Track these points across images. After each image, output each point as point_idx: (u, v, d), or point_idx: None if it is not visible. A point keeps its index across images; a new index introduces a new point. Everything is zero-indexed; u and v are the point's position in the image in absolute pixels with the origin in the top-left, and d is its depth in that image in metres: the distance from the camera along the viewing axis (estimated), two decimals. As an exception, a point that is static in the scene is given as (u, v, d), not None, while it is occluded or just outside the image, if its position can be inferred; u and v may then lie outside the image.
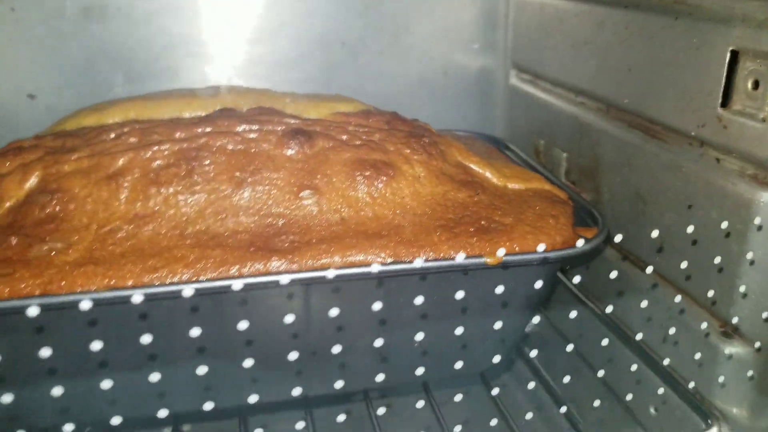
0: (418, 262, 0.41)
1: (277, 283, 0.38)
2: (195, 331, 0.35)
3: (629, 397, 0.51)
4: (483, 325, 0.48)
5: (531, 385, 0.52)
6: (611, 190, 0.62)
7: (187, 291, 0.37)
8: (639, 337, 0.52)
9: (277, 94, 0.54)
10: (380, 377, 0.47)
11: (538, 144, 0.73)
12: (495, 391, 0.52)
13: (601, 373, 0.52)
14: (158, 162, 0.46)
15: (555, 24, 0.71)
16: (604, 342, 0.51)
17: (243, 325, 0.38)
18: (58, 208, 0.44)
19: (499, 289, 0.43)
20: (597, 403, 0.51)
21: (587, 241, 0.47)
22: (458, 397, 0.47)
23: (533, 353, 0.50)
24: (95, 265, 0.41)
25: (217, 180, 0.46)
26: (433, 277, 0.45)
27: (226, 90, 0.53)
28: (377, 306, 0.40)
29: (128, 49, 0.73)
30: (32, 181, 0.46)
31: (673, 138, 0.53)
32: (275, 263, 0.43)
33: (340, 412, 0.44)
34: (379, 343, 0.44)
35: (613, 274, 0.47)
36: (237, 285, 0.37)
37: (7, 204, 0.46)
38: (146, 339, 0.35)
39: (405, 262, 0.43)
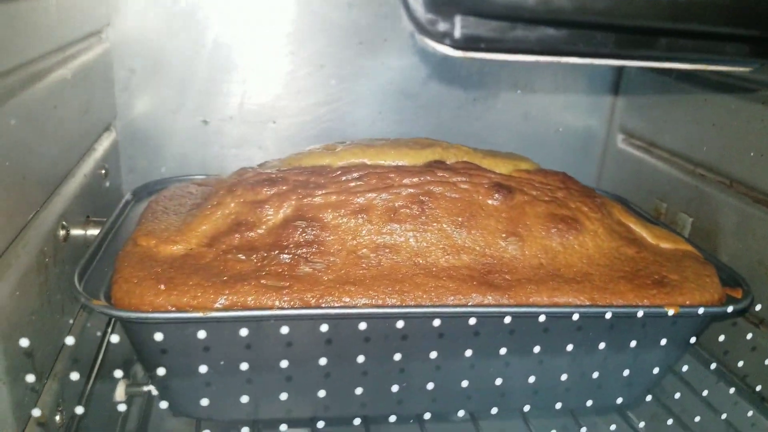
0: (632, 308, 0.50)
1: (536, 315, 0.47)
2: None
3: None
4: (641, 367, 0.57)
5: (670, 421, 0.60)
6: (730, 254, 0.70)
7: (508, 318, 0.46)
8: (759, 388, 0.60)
9: (470, 150, 0.63)
10: (559, 404, 0.55)
11: (659, 206, 0.82)
12: (642, 424, 0.60)
13: (724, 416, 0.60)
14: (397, 203, 0.55)
15: (677, 102, 0.80)
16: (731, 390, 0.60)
17: (468, 352, 0.47)
18: (315, 234, 0.53)
19: (665, 337, 0.52)
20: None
21: (740, 300, 0.56)
22: (613, 426, 0.55)
23: (676, 395, 0.59)
24: (354, 285, 0.50)
25: (442, 221, 0.55)
26: (617, 322, 0.54)
27: (430, 143, 0.62)
28: (571, 346, 0.49)
29: (278, 93, 0.83)
30: (287, 209, 0.55)
31: (807, 217, 0.62)
32: (495, 297, 0.51)
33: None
34: (564, 376, 0.52)
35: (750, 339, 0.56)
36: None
37: (265, 228, 0.54)
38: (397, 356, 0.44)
39: (610, 307, 0.51)
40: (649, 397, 0.60)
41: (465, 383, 0.51)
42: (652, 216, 0.79)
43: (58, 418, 0.50)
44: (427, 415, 0.52)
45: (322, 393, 0.47)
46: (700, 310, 0.50)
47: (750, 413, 0.63)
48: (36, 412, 0.41)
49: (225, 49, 0.80)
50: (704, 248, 0.72)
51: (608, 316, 0.49)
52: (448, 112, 0.90)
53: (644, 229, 0.64)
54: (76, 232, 0.59)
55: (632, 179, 0.89)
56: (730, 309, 0.51)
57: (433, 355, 0.49)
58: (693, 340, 0.57)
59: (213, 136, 0.84)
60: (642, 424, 0.59)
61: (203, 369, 0.45)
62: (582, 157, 0.99)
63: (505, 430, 0.64)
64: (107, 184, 0.70)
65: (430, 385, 0.50)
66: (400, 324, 0.46)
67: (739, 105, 0.70)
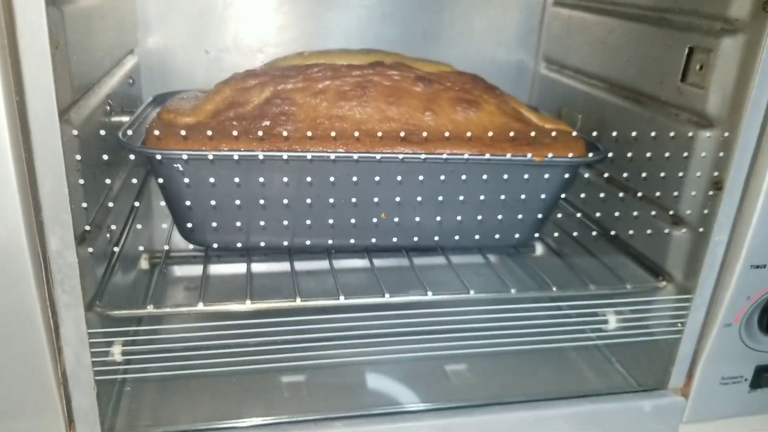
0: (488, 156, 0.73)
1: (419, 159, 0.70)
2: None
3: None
4: (526, 210, 0.79)
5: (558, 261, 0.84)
6: (610, 139, 0.92)
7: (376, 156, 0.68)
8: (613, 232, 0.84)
9: (405, 56, 0.85)
10: (456, 238, 0.79)
11: (561, 110, 1.04)
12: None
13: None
14: (345, 87, 0.76)
15: (579, 30, 1.02)
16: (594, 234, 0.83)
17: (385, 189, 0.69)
18: (287, 108, 0.75)
19: (541, 182, 0.75)
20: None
21: (597, 154, 0.79)
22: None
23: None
24: (314, 140, 0.72)
25: (378, 101, 0.77)
26: (496, 169, 0.76)
27: (374, 51, 0.84)
28: (472, 185, 0.72)
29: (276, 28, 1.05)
30: (267, 93, 0.77)
31: (652, 102, 0.84)
32: (412, 149, 0.74)
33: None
34: (461, 218, 0.75)
35: (617, 200, 0.79)
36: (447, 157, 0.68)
37: (251, 105, 0.76)
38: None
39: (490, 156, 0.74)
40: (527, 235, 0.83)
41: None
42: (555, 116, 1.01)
43: (108, 235, 0.73)
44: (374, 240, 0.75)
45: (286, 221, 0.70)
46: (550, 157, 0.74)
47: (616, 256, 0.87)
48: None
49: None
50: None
51: (466, 156, 0.72)
52: (401, 48, 1.11)
53: (534, 114, 0.86)
54: (114, 118, 0.81)
55: (549, 96, 1.11)
56: (584, 158, 0.75)
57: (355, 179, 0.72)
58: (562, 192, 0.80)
59: (213, 63, 1.06)
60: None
61: (210, 200, 0.68)
62: (517, 83, 1.21)
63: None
64: (133, 91, 0.92)
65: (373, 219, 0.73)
66: (332, 156, 0.69)
67: (615, 24, 0.92)
